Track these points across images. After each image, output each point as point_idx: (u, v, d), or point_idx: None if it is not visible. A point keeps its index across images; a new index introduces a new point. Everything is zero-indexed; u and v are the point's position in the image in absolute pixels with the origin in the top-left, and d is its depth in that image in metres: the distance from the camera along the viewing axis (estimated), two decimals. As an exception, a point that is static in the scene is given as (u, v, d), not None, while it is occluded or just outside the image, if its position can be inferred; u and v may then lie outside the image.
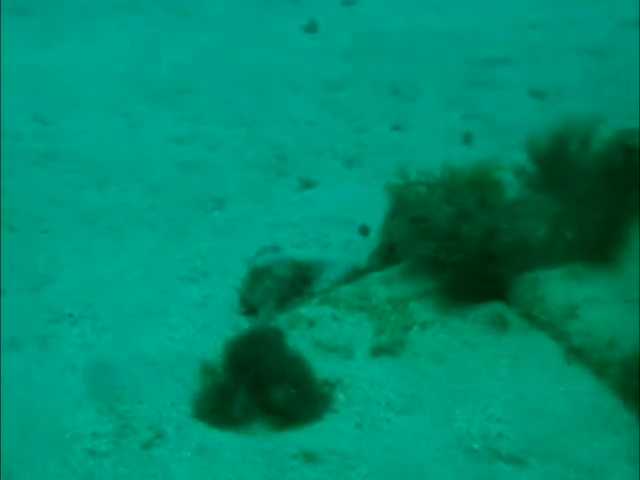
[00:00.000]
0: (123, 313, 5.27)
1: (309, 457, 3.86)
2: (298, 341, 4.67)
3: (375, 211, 6.67)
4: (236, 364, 4.36)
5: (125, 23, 12.33)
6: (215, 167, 7.71)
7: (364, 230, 6.12)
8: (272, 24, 13.14)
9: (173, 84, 10.24)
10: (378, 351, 4.50)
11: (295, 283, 5.07)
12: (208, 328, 5.03)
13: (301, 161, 7.78)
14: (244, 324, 5.10)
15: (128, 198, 7.06)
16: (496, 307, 4.54)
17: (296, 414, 4.13)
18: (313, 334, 4.71)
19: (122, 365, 4.68)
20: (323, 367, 4.39)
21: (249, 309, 5.19)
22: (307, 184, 7.29)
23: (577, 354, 4.24)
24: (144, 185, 7.33)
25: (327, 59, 11.13)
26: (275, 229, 6.36)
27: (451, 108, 8.90)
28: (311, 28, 12.86)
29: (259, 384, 4.19)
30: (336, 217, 6.49)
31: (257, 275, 5.19)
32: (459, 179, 5.20)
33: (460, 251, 4.47)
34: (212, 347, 4.79)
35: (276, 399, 4.08)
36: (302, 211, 6.65)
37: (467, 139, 7.88)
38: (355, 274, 5.16)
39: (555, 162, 5.42)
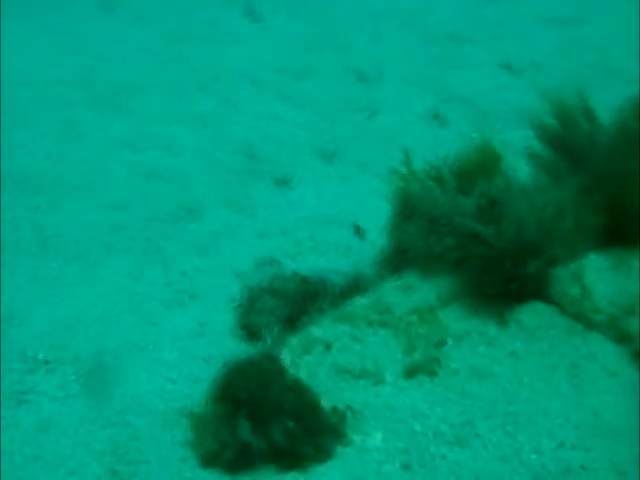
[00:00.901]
0: (109, 353, 4.64)
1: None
2: (316, 368, 4.12)
3: (370, 210, 6.19)
4: (231, 401, 3.79)
5: (46, 23, 11.52)
6: (181, 173, 7.04)
7: (358, 232, 5.59)
8: (212, 14, 12.49)
9: (115, 85, 9.51)
10: (412, 372, 3.97)
11: (302, 300, 4.51)
12: (210, 361, 4.44)
13: (275, 160, 7.17)
14: (249, 351, 4.53)
15: (90, 217, 6.35)
16: (539, 308, 4.05)
17: (310, 454, 3.59)
18: (333, 359, 4.14)
19: (118, 419, 4.08)
20: (352, 397, 3.85)
21: (251, 334, 4.61)
22: (286, 185, 6.71)
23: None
24: (105, 201, 6.62)
25: (280, 48, 10.52)
26: (265, 239, 5.74)
27: (423, 90, 8.38)
28: (256, 17, 12.26)
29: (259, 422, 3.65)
30: (329, 220, 5.89)
31: (257, 294, 4.61)
32: (470, 168, 4.71)
33: (490, 247, 3.97)
34: (218, 384, 4.24)
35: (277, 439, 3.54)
36: (290, 216, 6.04)
37: (442, 122, 7.40)
38: (366, 284, 4.63)
39: (566, 140, 4.97)
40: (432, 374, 3.92)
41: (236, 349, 4.49)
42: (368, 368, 4.05)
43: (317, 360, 4.16)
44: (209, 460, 3.80)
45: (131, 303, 5.09)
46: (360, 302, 4.50)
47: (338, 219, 5.92)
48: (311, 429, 3.68)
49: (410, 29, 10.36)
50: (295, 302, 4.48)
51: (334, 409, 3.78)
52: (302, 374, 4.05)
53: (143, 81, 9.67)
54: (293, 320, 4.48)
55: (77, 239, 6.04)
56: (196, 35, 11.46)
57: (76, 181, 7.01)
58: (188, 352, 4.53)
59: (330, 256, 5.46)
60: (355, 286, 4.60)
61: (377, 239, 5.56)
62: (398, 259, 4.63)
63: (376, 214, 6.01)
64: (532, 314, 3.99)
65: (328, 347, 4.25)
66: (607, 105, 5.09)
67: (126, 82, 9.76)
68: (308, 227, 5.85)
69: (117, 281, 5.43)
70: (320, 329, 4.38)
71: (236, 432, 3.65)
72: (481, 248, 3.89)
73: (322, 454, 3.70)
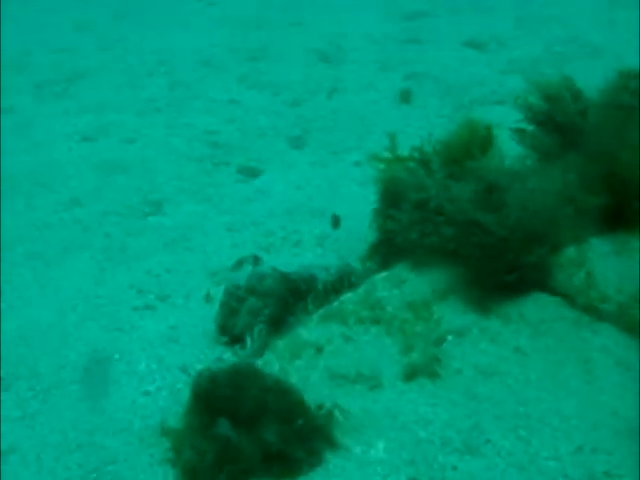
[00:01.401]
0: (72, 366, 4.22)
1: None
2: (307, 373, 3.78)
3: (343, 196, 5.86)
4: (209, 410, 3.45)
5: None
6: (138, 163, 6.59)
7: (336, 221, 5.26)
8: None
9: (55, 69, 8.99)
10: (412, 374, 3.67)
11: (287, 300, 4.18)
12: (187, 370, 4.06)
13: (238, 146, 6.76)
14: (230, 358, 4.18)
15: (42, 215, 5.90)
16: (542, 299, 3.76)
17: (302, 459, 3.29)
18: (325, 362, 3.81)
19: (87, 440, 3.69)
20: (349, 404, 3.54)
21: (232, 338, 4.25)
22: (252, 172, 6.33)
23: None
24: (58, 196, 6.15)
25: (230, 27, 10.08)
26: (234, 231, 5.35)
27: (387, 68, 8.05)
28: (202, -6, 11.76)
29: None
30: (300, 208, 5.52)
31: (237, 294, 4.24)
32: (459, 149, 4.42)
33: (491, 235, 3.68)
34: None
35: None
36: (259, 206, 5.66)
37: (409, 100, 7.08)
38: (352, 278, 4.31)
39: (555, 119, 4.71)
40: (433, 375, 3.62)
41: (215, 356, 4.16)
42: (364, 371, 3.74)
43: (308, 365, 3.82)
44: (189, 473, 3.47)
45: (93, 308, 4.66)
46: (348, 298, 4.17)
47: (310, 207, 5.56)
48: (300, 431, 3.38)
49: (368, 6, 10.05)
50: (278, 301, 4.14)
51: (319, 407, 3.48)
52: (292, 381, 3.72)
53: (84, 64, 9.13)
54: (277, 321, 4.15)
55: (28, 238, 5.60)
56: (138, 14, 10.95)
57: (23, 175, 6.51)
58: (161, 361, 4.13)
59: (306, 247, 5.11)
60: (340, 280, 4.28)
61: (354, 227, 5.28)
62: (385, 250, 4.33)
63: (350, 200, 5.71)
64: (535, 306, 3.71)
65: (319, 350, 3.91)
66: (582, 79, 4.87)
67: (66, 66, 9.21)
68: (279, 216, 5.48)
69: (75, 283, 4.99)
70: (308, 330, 4.04)
71: (215, 435, 3.31)
72: (482, 237, 3.61)
73: (314, 459, 3.41)
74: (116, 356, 4.17)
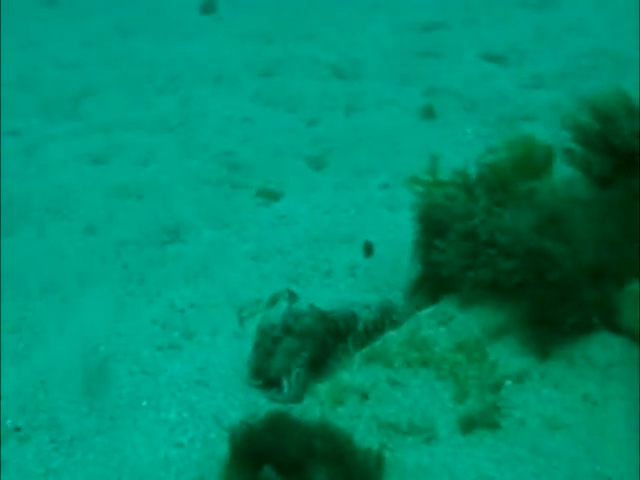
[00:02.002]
0: (97, 415, 3.94)
1: None
2: (353, 422, 3.52)
3: (373, 221, 5.58)
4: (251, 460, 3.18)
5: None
6: (153, 187, 6.32)
7: (368, 248, 4.98)
8: (160, 5, 11.71)
9: (64, 88, 8.72)
10: (469, 424, 3.40)
11: (326, 340, 3.90)
12: (221, 418, 3.78)
13: (255, 167, 6.50)
14: (265, 403, 3.89)
15: (56, 243, 5.62)
16: (608, 340, 3.49)
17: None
18: (372, 410, 3.54)
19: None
20: (402, 458, 3.27)
21: (267, 381, 3.98)
22: (273, 195, 6.06)
23: None
24: (72, 223, 5.87)
25: (239, 41, 9.84)
26: (259, 261, 5.08)
27: (406, 83, 7.80)
28: (208, 8, 11.52)
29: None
30: (328, 235, 5.24)
31: (272, 334, 3.97)
32: (505, 171, 4.14)
33: (559, 269, 3.40)
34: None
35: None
36: (283, 232, 5.39)
37: (433, 116, 6.81)
38: (394, 315, 4.04)
39: (609, 140, 4.43)
40: (493, 426, 3.35)
41: (249, 401, 3.88)
42: (416, 421, 3.47)
43: (353, 413, 3.55)
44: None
45: (115, 348, 4.41)
46: (392, 337, 3.89)
47: (338, 233, 5.29)
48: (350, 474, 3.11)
49: (380, 17, 9.81)
50: (316, 342, 3.87)
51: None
52: (311, 425, 3.46)
53: (92, 81, 8.88)
54: (316, 364, 3.88)
55: (42, 269, 5.34)
56: (145, 28, 10.70)
57: (34, 201, 6.25)
58: (193, 408, 3.87)
59: (338, 278, 4.85)
60: (381, 319, 4.02)
61: (387, 255, 5.02)
62: (430, 284, 4.07)
63: (380, 226, 5.44)
64: (601, 348, 3.43)
65: (364, 396, 3.64)
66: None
67: (73, 83, 8.96)
68: (306, 244, 5.21)
69: (95, 320, 4.73)
70: (350, 373, 3.76)
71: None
72: (549, 270, 3.33)
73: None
74: (144, 403, 3.90)
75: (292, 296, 3.99)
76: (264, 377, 3.95)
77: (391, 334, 3.94)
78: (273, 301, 4.05)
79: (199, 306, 4.69)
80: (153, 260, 5.24)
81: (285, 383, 3.87)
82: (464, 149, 6.27)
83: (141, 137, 7.36)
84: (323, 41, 9.31)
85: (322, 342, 3.86)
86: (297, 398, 3.85)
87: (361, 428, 3.49)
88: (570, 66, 7.37)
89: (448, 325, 3.86)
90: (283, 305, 3.97)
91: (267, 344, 3.96)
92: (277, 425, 3.29)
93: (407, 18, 9.73)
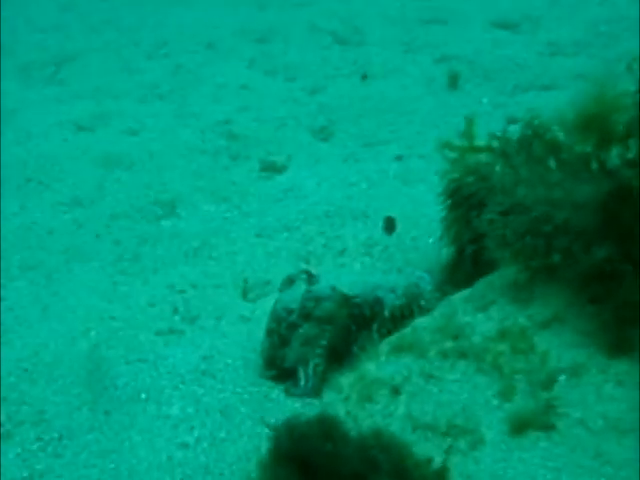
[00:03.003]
0: (89, 409, 3.47)
1: None
2: (385, 422, 3.11)
3: (387, 195, 5.15)
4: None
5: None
6: (145, 157, 5.83)
7: (390, 225, 4.55)
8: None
9: (43, 52, 8.15)
10: (520, 426, 3.00)
11: (349, 327, 3.49)
12: (230, 414, 3.35)
13: (256, 138, 6.01)
14: (280, 398, 3.47)
15: (40, 217, 5.15)
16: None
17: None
18: (406, 408, 3.13)
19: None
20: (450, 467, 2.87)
21: (281, 372, 3.54)
22: (276, 167, 5.60)
23: None
24: (56, 195, 5.39)
25: (233, 8, 9.32)
26: (265, 237, 4.62)
27: (413, 51, 7.33)
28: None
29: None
30: (340, 210, 4.80)
31: (288, 320, 3.54)
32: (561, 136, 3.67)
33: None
34: (247, 447, 3.18)
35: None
36: (290, 207, 4.92)
37: (454, 84, 6.35)
38: (423, 301, 3.62)
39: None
40: (548, 428, 2.95)
41: (262, 394, 3.45)
42: (457, 421, 3.06)
43: (384, 411, 3.14)
44: None
45: (108, 333, 3.95)
46: (423, 324, 3.48)
47: (350, 208, 4.85)
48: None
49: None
50: (338, 329, 3.45)
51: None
52: (365, 432, 3.05)
53: (73, 46, 8.29)
54: (337, 354, 3.45)
55: (24, 245, 4.85)
56: (132, -7, 10.15)
57: (15, 170, 5.73)
58: (197, 402, 3.43)
59: (353, 257, 4.42)
60: (408, 305, 3.60)
61: (405, 232, 4.58)
62: (463, 265, 3.65)
63: (395, 200, 5.02)
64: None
65: (395, 391, 3.22)
66: None
67: (53, 47, 8.38)
68: (316, 220, 4.76)
69: (84, 301, 4.26)
70: (377, 365, 3.34)
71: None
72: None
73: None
74: (142, 395, 3.45)
75: (310, 277, 3.56)
76: (278, 368, 3.50)
77: (422, 320, 3.51)
78: (289, 282, 3.61)
79: (201, 287, 4.24)
80: (147, 236, 4.77)
81: (302, 375, 3.44)
82: (481, 119, 5.84)
83: (129, 105, 6.85)
84: (321, 8, 8.79)
85: (344, 329, 3.44)
86: (315, 392, 3.43)
87: (394, 428, 3.08)
88: (588, 33, 6.94)
89: (487, 311, 3.44)
90: (301, 287, 3.54)
91: (282, 331, 3.51)
92: (328, 430, 2.86)
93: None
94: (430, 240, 4.39)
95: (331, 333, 3.44)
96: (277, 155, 5.71)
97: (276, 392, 3.46)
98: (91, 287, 4.30)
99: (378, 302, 3.51)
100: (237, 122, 6.25)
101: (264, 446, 3.12)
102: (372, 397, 3.23)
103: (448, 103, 6.19)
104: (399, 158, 5.36)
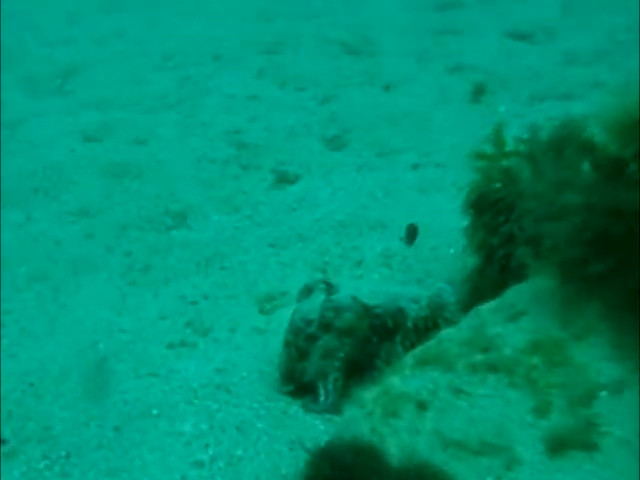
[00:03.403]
0: (97, 425, 3.26)
1: None
2: (412, 439, 2.94)
3: (404, 205, 4.99)
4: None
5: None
6: (153, 167, 5.69)
7: (412, 233, 4.37)
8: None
9: (50, 64, 8.02)
10: (559, 445, 2.83)
11: (370, 339, 3.32)
12: (246, 431, 3.18)
13: (266, 147, 5.87)
14: (299, 414, 3.29)
15: (46, 228, 4.99)
16: None
17: None
18: (435, 425, 2.97)
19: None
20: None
21: (299, 386, 3.37)
22: (288, 177, 5.45)
23: None
24: (63, 206, 5.23)
25: (240, 21, 9.21)
26: (279, 247, 4.46)
27: (426, 60, 7.21)
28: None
29: None
30: (356, 220, 4.66)
31: (307, 331, 3.37)
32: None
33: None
34: (266, 465, 3.00)
35: None
36: (304, 216, 4.76)
37: (479, 94, 6.19)
38: (447, 313, 3.45)
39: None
40: (590, 448, 2.78)
41: (279, 410, 3.27)
42: (489, 439, 2.89)
43: (410, 427, 2.97)
44: None
45: (117, 346, 3.79)
46: (449, 335, 3.31)
47: (367, 218, 4.69)
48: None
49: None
50: (358, 341, 3.28)
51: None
52: (391, 449, 2.88)
53: (80, 59, 8.18)
54: (357, 367, 3.28)
55: (30, 256, 4.68)
56: (132, 6, 10.03)
57: (20, 181, 5.58)
58: (211, 417, 3.25)
59: (370, 268, 4.26)
60: (432, 316, 3.43)
61: (424, 242, 4.42)
62: (489, 275, 3.49)
63: (413, 210, 4.86)
64: None
65: (422, 406, 3.05)
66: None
67: (60, 59, 8.25)
68: (331, 230, 4.61)
69: (92, 314, 4.09)
70: (402, 379, 3.17)
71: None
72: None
73: None
74: (154, 411, 3.27)
75: (329, 287, 3.39)
76: (296, 382, 3.33)
77: (448, 332, 3.34)
78: (307, 292, 3.44)
79: (213, 298, 4.07)
80: (158, 247, 4.61)
81: (321, 390, 3.28)
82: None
83: (137, 115, 6.71)
84: (330, 20, 8.69)
85: (365, 341, 3.27)
86: (335, 407, 3.26)
87: (422, 446, 2.91)
88: (607, 42, 6.81)
89: (518, 322, 3.26)
90: (319, 297, 3.37)
91: (300, 343, 3.34)
92: (367, 457, 2.67)
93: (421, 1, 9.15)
94: (451, 251, 4.24)
95: (351, 345, 3.26)
96: (289, 165, 5.56)
97: (294, 408, 3.29)
98: (100, 299, 4.13)
99: (400, 313, 3.34)
100: (247, 131, 6.11)
101: (283, 465, 3.00)
102: (397, 412, 3.04)
103: (464, 111, 6.04)
104: (415, 167, 5.22)
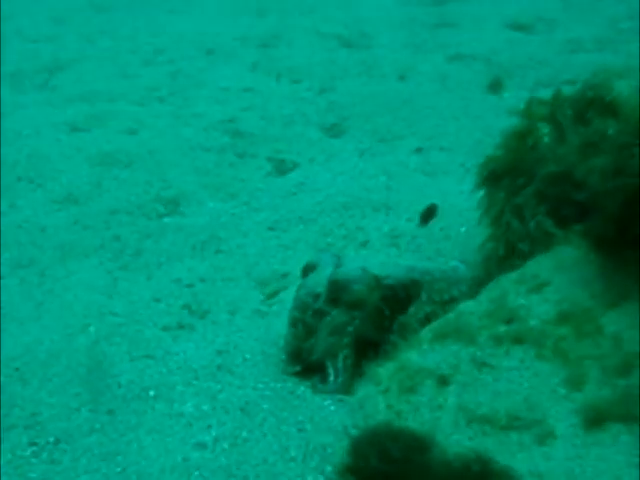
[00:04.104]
0: (89, 409, 3.02)
1: None
2: (433, 416, 2.71)
3: (410, 188, 4.77)
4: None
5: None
6: (144, 155, 5.42)
7: (429, 213, 4.12)
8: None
9: (35, 60, 7.76)
10: (596, 419, 2.61)
11: (382, 313, 3.09)
12: (251, 412, 2.93)
13: (263, 135, 5.62)
14: (306, 395, 3.05)
15: (31, 215, 4.71)
16: None
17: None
18: (458, 399, 2.73)
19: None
20: (509, 463, 2.45)
21: (307, 366, 3.11)
22: (286, 165, 5.20)
23: None
24: (49, 194, 4.95)
25: (232, 17, 9.02)
26: (279, 230, 4.23)
27: (424, 52, 7.04)
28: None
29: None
30: (359, 202, 4.43)
31: (314, 307, 3.10)
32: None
33: None
34: (273, 447, 2.76)
35: None
36: (304, 200, 4.53)
37: (497, 87, 5.99)
38: (464, 286, 3.23)
39: None
40: (630, 419, 2.56)
41: (286, 390, 3.03)
42: (519, 413, 2.65)
43: (431, 403, 2.73)
44: None
45: (109, 328, 3.52)
46: (469, 307, 3.07)
47: (370, 200, 4.47)
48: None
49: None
50: (370, 315, 3.05)
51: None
52: (412, 425, 2.65)
53: (66, 55, 7.89)
54: (369, 343, 3.05)
55: (13, 243, 4.40)
56: (122, 5, 9.81)
57: (4, 170, 5.34)
58: (214, 398, 3.02)
59: (377, 248, 4.03)
60: (448, 287, 3.20)
61: (438, 225, 4.20)
62: (507, 248, 3.27)
63: (419, 193, 4.64)
64: None
65: (443, 381, 2.82)
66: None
67: (46, 55, 7.99)
68: (334, 212, 4.37)
69: (81, 298, 3.82)
70: (419, 353, 2.94)
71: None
72: None
73: None
74: (151, 393, 3.02)
75: (336, 258, 3.16)
76: (304, 361, 3.08)
77: (468, 304, 3.10)
78: (312, 267, 3.20)
79: (211, 280, 3.82)
80: (150, 231, 4.37)
81: (330, 369, 3.04)
82: (500, 115, 5.53)
83: (127, 107, 6.46)
84: (323, 15, 8.48)
85: (377, 314, 3.03)
86: (346, 387, 3.01)
87: (445, 422, 2.66)
88: (610, 30, 6.66)
89: (543, 292, 3.04)
90: (326, 270, 3.14)
91: (307, 319, 3.09)
92: (416, 451, 2.42)
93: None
94: (462, 229, 4.03)
95: (361, 319, 3.02)
96: (287, 153, 5.32)
97: (302, 388, 3.04)
98: (89, 283, 3.86)
99: (414, 284, 3.10)
100: (242, 120, 5.88)
101: (292, 447, 2.77)
102: (416, 389, 2.80)
103: (467, 97, 5.83)
104: (419, 150, 5.01)
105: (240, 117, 5.97)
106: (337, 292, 3.05)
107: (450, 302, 3.13)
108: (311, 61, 7.12)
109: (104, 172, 5.21)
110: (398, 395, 2.80)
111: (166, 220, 4.57)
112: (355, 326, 3.05)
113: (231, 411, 2.90)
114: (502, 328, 2.94)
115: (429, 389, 2.79)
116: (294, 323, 3.14)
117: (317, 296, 3.10)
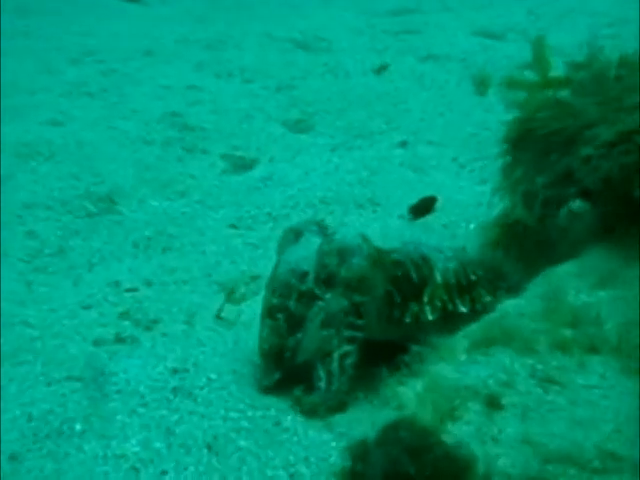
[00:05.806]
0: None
1: None
2: (488, 452, 1.93)
3: (396, 183, 4.00)
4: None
5: None
6: (71, 148, 4.52)
7: (424, 206, 3.39)
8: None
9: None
10: None
11: (391, 296, 2.30)
12: (223, 452, 2.06)
13: (215, 131, 4.84)
14: (296, 425, 2.22)
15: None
16: None
17: None
18: (523, 431, 1.89)
19: None
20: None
21: (289, 372, 2.25)
22: (244, 162, 4.42)
23: None
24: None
25: (172, 24, 8.24)
26: (243, 228, 3.37)
27: (392, 54, 6.35)
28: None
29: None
30: (338, 196, 3.61)
31: (299, 289, 2.25)
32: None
33: None
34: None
35: None
36: (272, 195, 3.66)
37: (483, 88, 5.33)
38: (480, 271, 2.46)
39: None
40: None
41: (270, 420, 2.21)
42: (613, 448, 1.92)
43: (480, 434, 1.97)
44: None
45: (17, 341, 2.60)
46: (518, 307, 2.31)
47: (352, 196, 3.68)
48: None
49: (338, 4, 8.39)
50: (387, 302, 2.22)
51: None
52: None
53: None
54: (379, 344, 2.22)
55: None
56: (54, 11, 8.94)
57: None
58: (169, 432, 2.10)
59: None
60: (463, 270, 2.42)
61: (441, 221, 3.46)
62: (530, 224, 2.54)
63: (410, 188, 3.87)
64: None
65: (494, 404, 2.06)
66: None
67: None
68: (309, 207, 3.57)
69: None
70: (455, 366, 2.18)
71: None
72: None
73: None
74: (77, 427, 2.11)
75: (322, 227, 2.35)
76: (285, 365, 2.25)
77: (513, 303, 2.37)
78: (293, 237, 2.35)
79: (160, 283, 2.95)
80: (77, 227, 3.49)
81: (321, 374, 2.22)
82: (490, 111, 4.90)
83: (51, 98, 5.57)
84: (274, 21, 7.78)
85: (385, 300, 2.22)
86: (341, 399, 2.17)
87: (506, 462, 1.90)
88: (589, 37, 6.15)
89: (608, 287, 2.32)
90: (313, 241, 2.32)
91: (291, 306, 2.24)
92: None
93: (369, 6, 8.39)
94: (471, 226, 3.31)
95: (366, 306, 2.22)
96: (245, 150, 4.49)
97: (290, 417, 2.23)
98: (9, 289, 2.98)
99: (426, 262, 2.32)
100: (189, 114, 5.02)
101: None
102: (457, 415, 2.04)
103: (448, 94, 5.16)
104: (403, 144, 4.31)
105: (187, 112, 5.12)
106: (332, 267, 2.22)
107: (468, 288, 2.36)
108: (265, 61, 6.38)
109: (19, 164, 4.32)
110: (436, 422, 2.03)
111: (104, 219, 3.70)
112: (356, 315, 2.22)
113: (194, 450, 2.06)
114: (567, 332, 2.20)
115: (475, 415, 2.01)
116: (271, 313, 2.27)
117: (303, 275, 2.25)
